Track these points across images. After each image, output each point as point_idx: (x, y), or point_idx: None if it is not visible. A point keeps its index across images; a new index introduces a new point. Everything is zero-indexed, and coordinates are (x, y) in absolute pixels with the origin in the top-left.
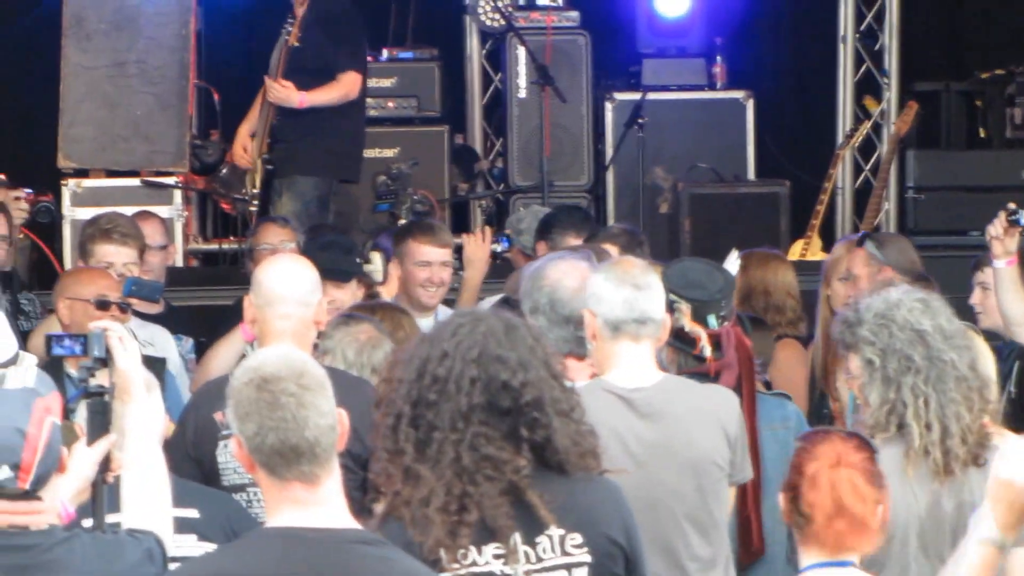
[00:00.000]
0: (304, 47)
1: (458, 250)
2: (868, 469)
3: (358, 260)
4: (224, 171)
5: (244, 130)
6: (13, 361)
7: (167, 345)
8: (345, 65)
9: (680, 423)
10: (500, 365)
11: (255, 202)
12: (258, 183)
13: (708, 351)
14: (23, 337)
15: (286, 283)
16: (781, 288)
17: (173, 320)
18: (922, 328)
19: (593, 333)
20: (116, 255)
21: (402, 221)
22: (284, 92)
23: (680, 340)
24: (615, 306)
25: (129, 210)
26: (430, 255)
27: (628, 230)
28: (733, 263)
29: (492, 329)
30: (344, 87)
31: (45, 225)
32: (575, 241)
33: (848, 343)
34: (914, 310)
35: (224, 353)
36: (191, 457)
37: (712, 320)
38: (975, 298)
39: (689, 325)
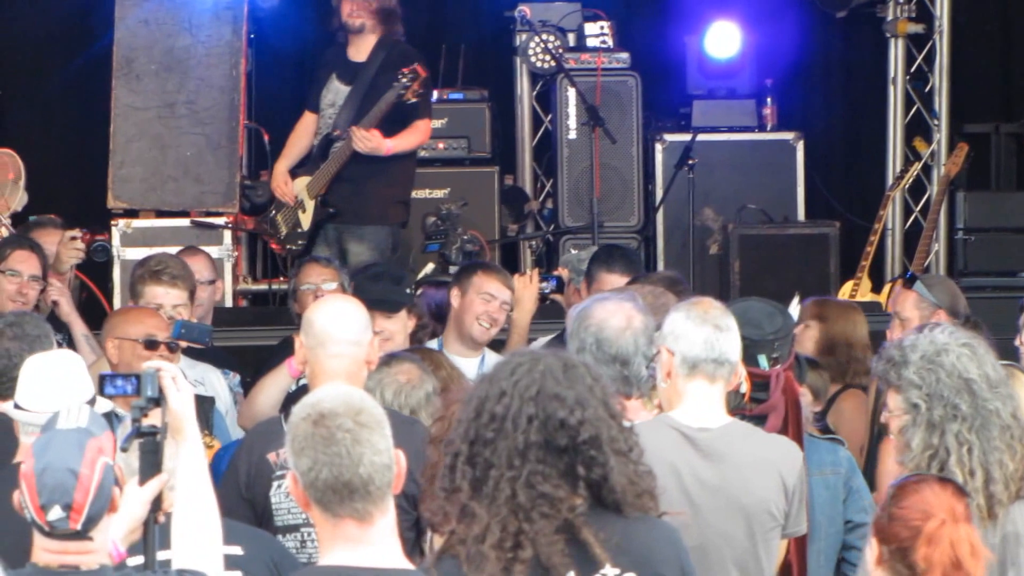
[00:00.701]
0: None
1: None
2: (973, 524)
3: (408, 291)
4: (274, 212)
5: (283, 167)
6: (92, 402)
7: (217, 384)
8: (422, 113)
9: (740, 468)
10: (558, 403)
11: (300, 242)
12: (306, 223)
13: (745, 388)
14: None
15: (337, 323)
16: (861, 341)
17: (220, 357)
18: (969, 376)
19: (668, 371)
20: (165, 296)
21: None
22: (375, 142)
23: None
24: (695, 344)
25: (178, 249)
26: (495, 290)
27: (671, 275)
28: (795, 307)
29: (550, 368)
30: (421, 134)
31: (96, 265)
32: (615, 279)
33: (891, 382)
34: (962, 356)
35: (270, 389)
36: (244, 498)
37: (763, 360)
38: (1021, 339)
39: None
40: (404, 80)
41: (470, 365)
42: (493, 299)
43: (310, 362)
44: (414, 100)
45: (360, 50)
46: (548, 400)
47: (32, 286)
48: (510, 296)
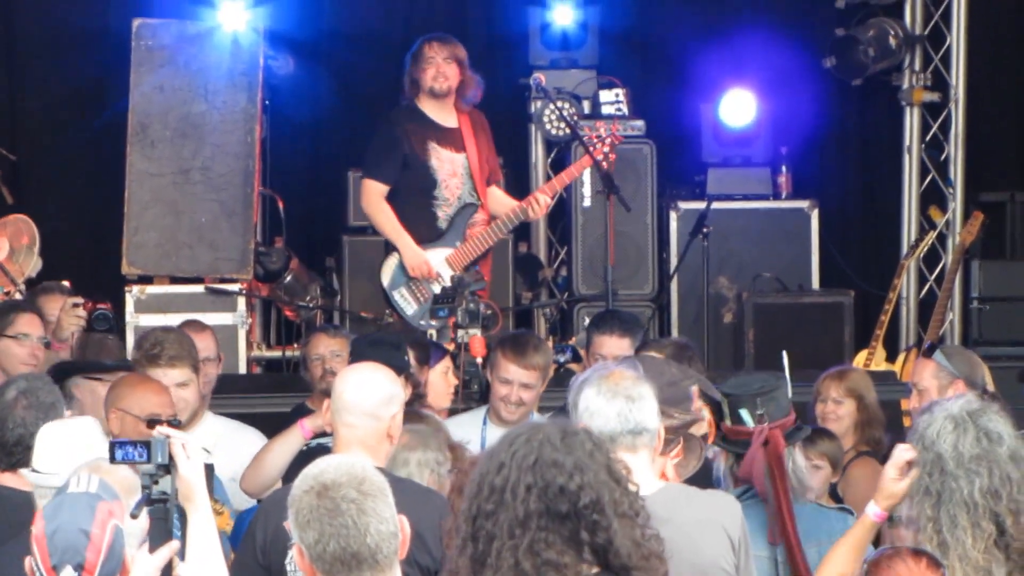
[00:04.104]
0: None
1: None
2: None
3: (406, 357)
4: (288, 278)
5: (415, 248)
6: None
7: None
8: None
9: (684, 529)
10: (556, 470)
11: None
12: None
13: (704, 430)
14: None
15: (355, 393)
16: (881, 412)
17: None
18: (940, 451)
19: None
20: (165, 378)
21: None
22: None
23: (725, 440)
24: (609, 419)
25: (187, 317)
26: (512, 374)
27: (678, 341)
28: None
29: (548, 436)
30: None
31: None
32: (611, 341)
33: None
34: (943, 431)
35: (279, 450)
36: (260, 565)
37: (745, 415)
38: None
39: (730, 422)
40: (600, 144)
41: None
42: (511, 382)
43: (333, 427)
44: (606, 166)
45: (446, 114)
46: (546, 468)
47: (42, 348)
48: (534, 375)
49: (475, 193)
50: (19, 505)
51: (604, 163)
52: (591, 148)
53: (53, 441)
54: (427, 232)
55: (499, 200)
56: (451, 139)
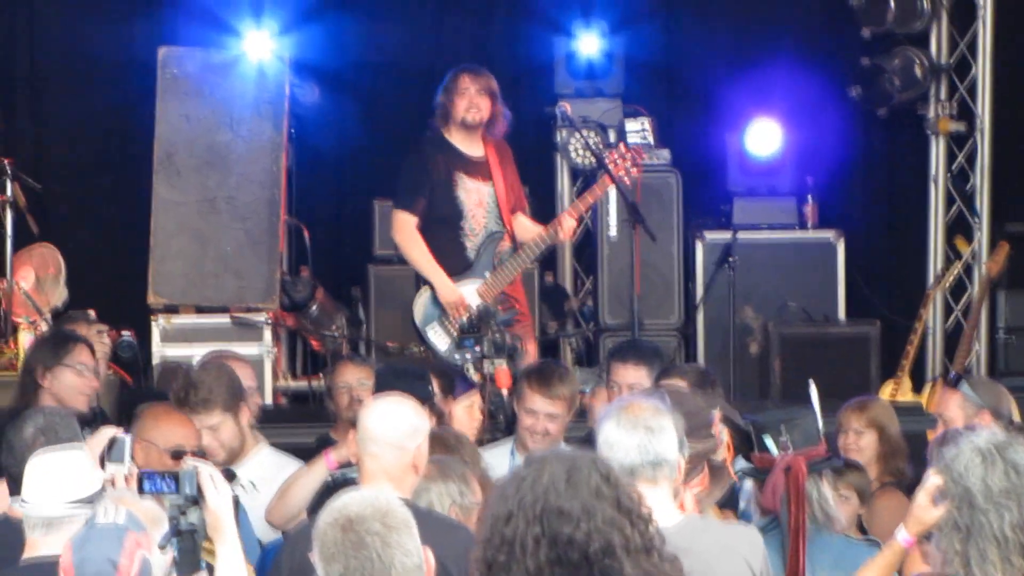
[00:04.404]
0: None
1: None
2: None
3: (430, 387)
4: (314, 308)
5: (449, 284)
6: (99, 496)
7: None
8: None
9: (706, 560)
10: (563, 519)
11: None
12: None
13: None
14: None
15: (380, 424)
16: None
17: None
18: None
19: None
20: (196, 421)
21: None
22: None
23: (756, 471)
24: (629, 451)
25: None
26: (536, 405)
27: (699, 368)
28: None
29: (554, 478)
30: None
31: (131, 362)
32: (628, 370)
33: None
34: (971, 464)
35: (304, 481)
36: None
37: (769, 443)
38: None
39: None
40: (626, 163)
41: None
42: (535, 413)
43: (359, 458)
44: (628, 182)
45: (473, 144)
46: (552, 517)
47: (96, 380)
48: (559, 405)
49: (500, 222)
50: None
51: (626, 179)
52: (611, 166)
53: (42, 472)
54: (456, 263)
55: (525, 227)
56: (478, 169)
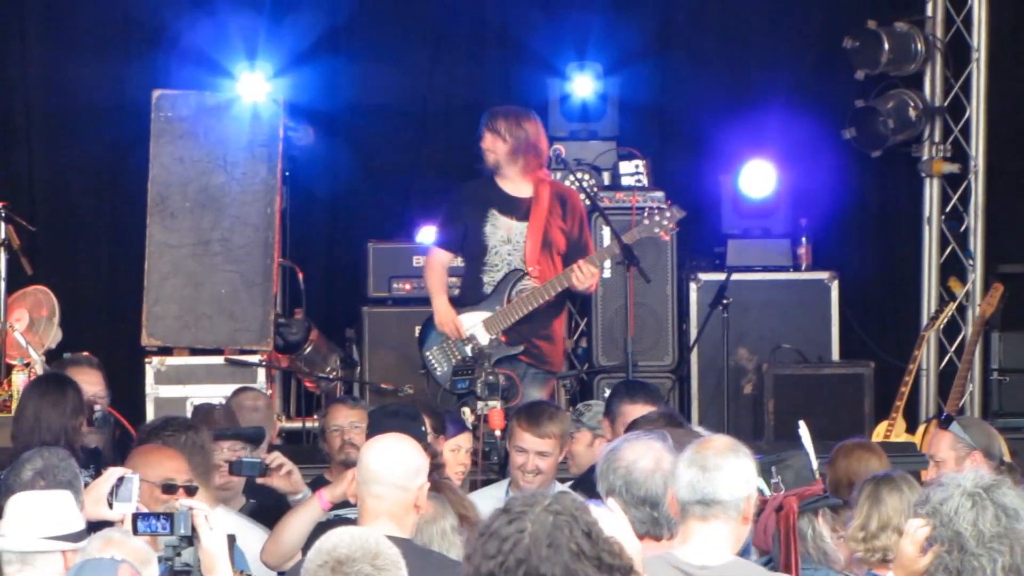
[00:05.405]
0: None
1: None
2: None
3: (423, 428)
4: (308, 350)
5: (446, 303)
6: (81, 536)
7: None
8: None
9: None
10: None
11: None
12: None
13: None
14: None
15: (383, 464)
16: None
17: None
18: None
19: (676, 510)
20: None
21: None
22: (595, 279)
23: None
24: (682, 487)
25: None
26: (528, 443)
27: (662, 411)
28: (804, 433)
29: (536, 538)
30: None
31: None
32: (639, 410)
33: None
34: (961, 508)
35: (297, 522)
36: None
37: (761, 484)
38: None
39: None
40: (663, 219)
41: None
42: (526, 451)
43: (359, 499)
44: (666, 238)
45: (520, 184)
46: None
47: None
48: (549, 444)
49: (525, 260)
50: None
51: (664, 234)
52: (657, 220)
53: (21, 508)
54: (472, 296)
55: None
56: (516, 208)
